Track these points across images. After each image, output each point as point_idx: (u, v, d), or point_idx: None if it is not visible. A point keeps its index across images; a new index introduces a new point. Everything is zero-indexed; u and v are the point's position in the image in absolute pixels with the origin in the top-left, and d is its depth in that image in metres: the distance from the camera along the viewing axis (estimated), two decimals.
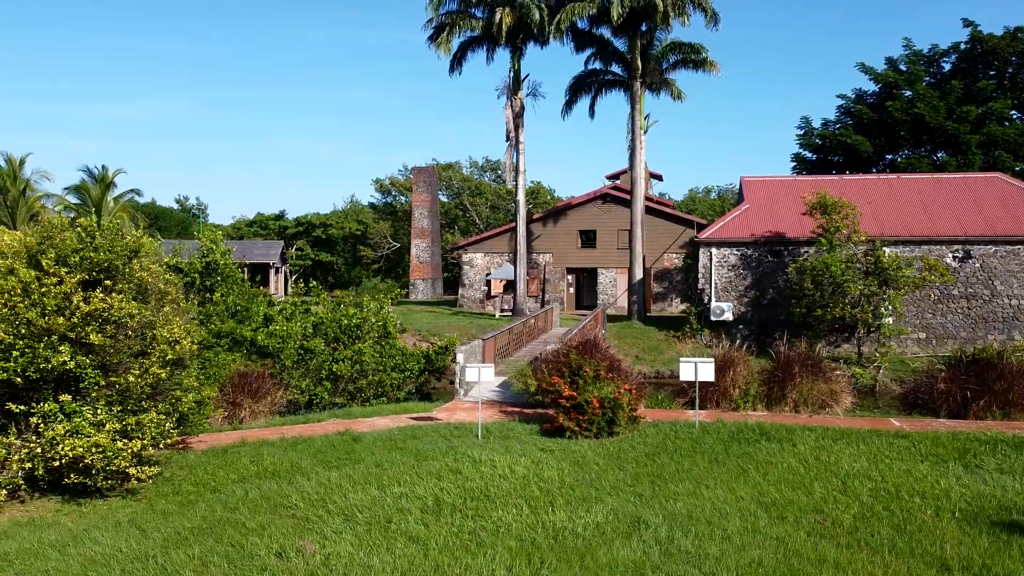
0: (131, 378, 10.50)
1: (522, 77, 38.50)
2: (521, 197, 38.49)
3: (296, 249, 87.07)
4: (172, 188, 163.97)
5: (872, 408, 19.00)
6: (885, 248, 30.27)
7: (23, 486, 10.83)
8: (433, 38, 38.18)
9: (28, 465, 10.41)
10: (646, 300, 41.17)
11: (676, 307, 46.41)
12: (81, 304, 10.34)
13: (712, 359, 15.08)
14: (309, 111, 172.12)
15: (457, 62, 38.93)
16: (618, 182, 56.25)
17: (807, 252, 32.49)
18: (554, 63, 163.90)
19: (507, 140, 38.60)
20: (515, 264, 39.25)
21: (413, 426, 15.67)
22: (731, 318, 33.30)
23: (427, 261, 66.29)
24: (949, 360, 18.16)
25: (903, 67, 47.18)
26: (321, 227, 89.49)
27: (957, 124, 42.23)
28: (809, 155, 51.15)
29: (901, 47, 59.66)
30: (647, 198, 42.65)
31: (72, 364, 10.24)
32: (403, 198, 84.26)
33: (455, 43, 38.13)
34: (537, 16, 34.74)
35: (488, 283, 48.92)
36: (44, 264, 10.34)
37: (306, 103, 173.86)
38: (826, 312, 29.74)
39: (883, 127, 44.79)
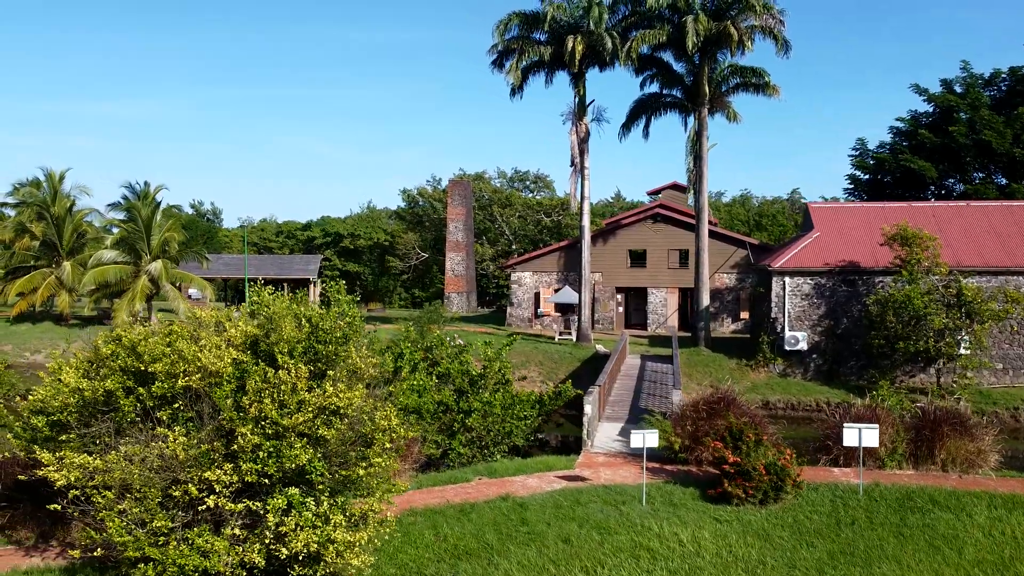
0: (360, 471, 10.48)
1: (587, 102, 38.45)
2: (586, 223, 38.40)
3: (323, 259, 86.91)
4: (174, 189, 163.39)
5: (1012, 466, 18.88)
6: (964, 279, 30.21)
7: None
8: (498, 63, 38.21)
9: (257, 559, 10.39)
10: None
11: (728, 327, 46.25)
12: (312, 398, 10.31)
13: (876, 425, 15.03)
14: (309, 111, 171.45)
15: (519, 86, 38.86)
16: (660, 197, 56.12)
17: (882, 282, 32.43)
18: (602, 81, 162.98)
19: (571, 165, 38.55)
20: (580, 290, 39.22)
21: (570, 489, 15.64)
22: (806, 347, 33.24)
23: (462, 274, 66.29)
24: None
25: (958, 88, 47.05)
26: (349, 237, 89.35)
27: None
28: (863, 175, 51.07)
29: (958, 68, 59.31)
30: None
31: (304, 460, 10.22)
32: (422, 202, 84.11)
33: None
34: (610, 44, 34.72)
35: (536, 302, 48.87)
36: (279, 359, 10.31)
37: (306, 103, 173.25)
38: (909, 344, 29.68)
39: (945, 151, 44.64)
